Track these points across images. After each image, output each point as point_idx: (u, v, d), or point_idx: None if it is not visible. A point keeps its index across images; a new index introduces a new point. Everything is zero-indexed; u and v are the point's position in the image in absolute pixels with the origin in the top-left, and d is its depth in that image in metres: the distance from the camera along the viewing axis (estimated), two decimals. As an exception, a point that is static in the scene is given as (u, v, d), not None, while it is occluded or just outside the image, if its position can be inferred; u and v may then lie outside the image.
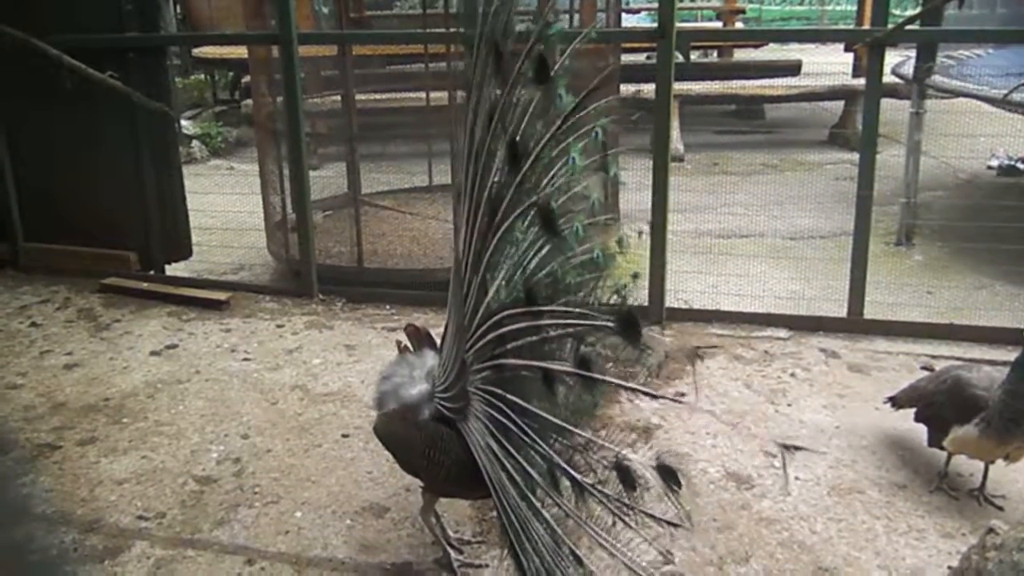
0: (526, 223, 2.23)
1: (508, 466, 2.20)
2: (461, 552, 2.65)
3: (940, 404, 2.88)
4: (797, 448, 3.08)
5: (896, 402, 3.15)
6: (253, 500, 2.98)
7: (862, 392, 3.61)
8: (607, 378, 2.12)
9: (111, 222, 5.06)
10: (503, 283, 2.25)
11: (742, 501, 2.91)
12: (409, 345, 2.68)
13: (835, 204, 6.07)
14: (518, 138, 2.18)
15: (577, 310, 2.16)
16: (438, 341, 2.56)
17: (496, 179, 2.21)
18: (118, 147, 4.94)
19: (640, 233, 3.08)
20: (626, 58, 7.72)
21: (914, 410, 3.07)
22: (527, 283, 2.20)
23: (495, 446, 2.23)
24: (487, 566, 2.60)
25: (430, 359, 2.55)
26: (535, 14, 2.34)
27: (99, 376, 3.91)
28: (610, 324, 2.07)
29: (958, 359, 3.80)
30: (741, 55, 11.91)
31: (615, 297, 2.42)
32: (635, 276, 2.54)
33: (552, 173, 2.27)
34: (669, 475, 2.08)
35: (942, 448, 2.92)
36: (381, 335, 4.27)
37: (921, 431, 3.06)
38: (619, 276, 2.44)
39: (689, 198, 6.05)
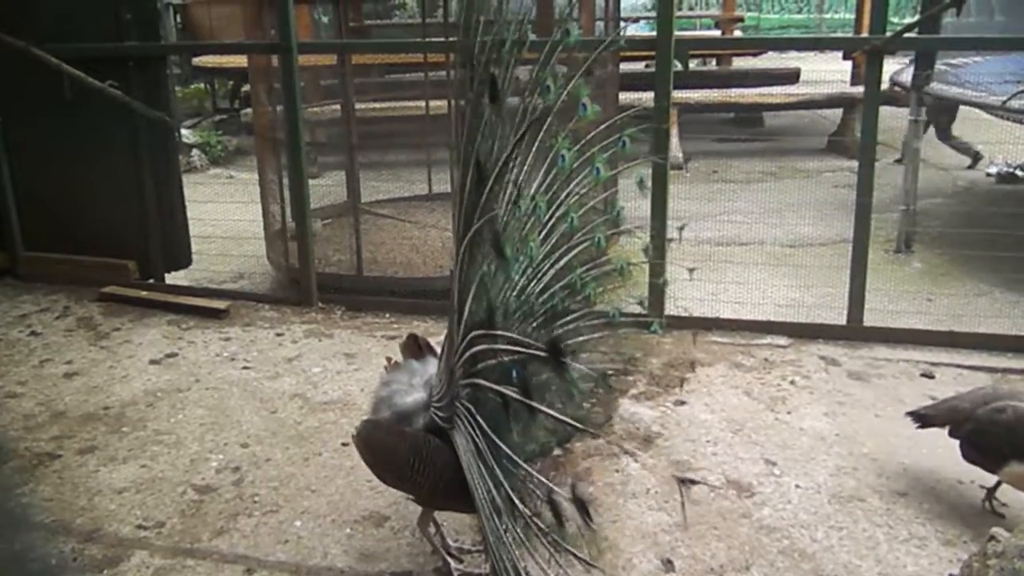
0: (485, 244, 2.19)
1: (480, 485, 2.18)
2: (461, 561, 2.65)
3: (996, 435, 2.78)
4: (693, 482, 3.00)
5: (925, 420, 3.00)
6: (253, 509, 2.98)
7: (862, 399, 3.61)
8: (544, 408, 2.11)
9: (111, 231, 5.06)
10: (476, 300, 2.22)
11: (743, 509, 2.90)
12: (399, 360, 2.67)
13: (834, 211, 6.08)
14: (482, 157, 2.15)
15: (519, 337, 2.16)
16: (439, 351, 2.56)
17: (470, 194, 2.19)
18: (118, 156, 4.94)
19: (681, 228, 2.90)
20: (625, 67, 7.72)
21: (928, 422, 3.00)
22: (489, 304, 2.18)
23: (473, 463, 2.21)
24: (486, 575, 2.59)
25: (432, 368, 2.54)
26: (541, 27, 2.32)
27: (99, 385, 3.91)
28: (541, 353, 2.06)
29: (958, 366, 3.82)
30: (740, 63, 11.94)
31: (636, 307, 2.41)
32: (664, 283, 2.50)
33: (575, 183, 2.26)
34: (582, 508, 2.05)
35: (991, 472, 2.83)
36: (381, 343, 4.27)
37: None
38: (639, 285, 2.42)
39: (688, 206, 6.04)
